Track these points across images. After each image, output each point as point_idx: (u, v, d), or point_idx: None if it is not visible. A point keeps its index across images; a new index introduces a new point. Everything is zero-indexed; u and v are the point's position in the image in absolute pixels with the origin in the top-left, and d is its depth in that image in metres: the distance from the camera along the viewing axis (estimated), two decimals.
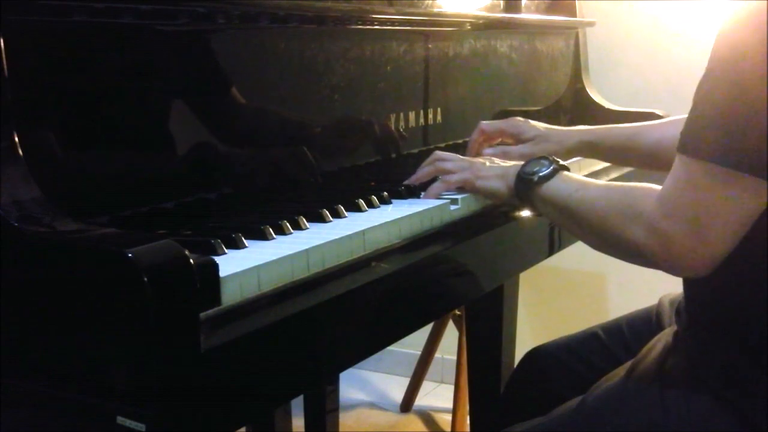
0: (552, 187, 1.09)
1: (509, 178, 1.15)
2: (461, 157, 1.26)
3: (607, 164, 1.59)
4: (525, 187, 1.11)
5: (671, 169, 0.92)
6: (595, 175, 1.55)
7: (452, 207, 1.18)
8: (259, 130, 1.16)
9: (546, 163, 1.11)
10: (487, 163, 1.21)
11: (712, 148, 0.87)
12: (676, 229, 0.90)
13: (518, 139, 1.39)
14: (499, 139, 1.43)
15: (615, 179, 1.57)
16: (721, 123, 0.87)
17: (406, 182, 1.24)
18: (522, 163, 1.15)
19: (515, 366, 1.43)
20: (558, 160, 1.12)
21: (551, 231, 1.43)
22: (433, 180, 1.23)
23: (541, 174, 1.10)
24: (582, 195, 1.05)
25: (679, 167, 0.91)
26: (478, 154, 1.38)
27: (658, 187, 0.94)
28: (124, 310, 0.70)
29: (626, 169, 1.63)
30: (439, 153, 1.26)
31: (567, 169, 1.11)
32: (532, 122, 1.40)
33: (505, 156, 1.35)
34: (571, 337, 1.33)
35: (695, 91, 0.91)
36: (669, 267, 0.93)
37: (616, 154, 1.38)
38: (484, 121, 1.43)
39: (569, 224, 1.09)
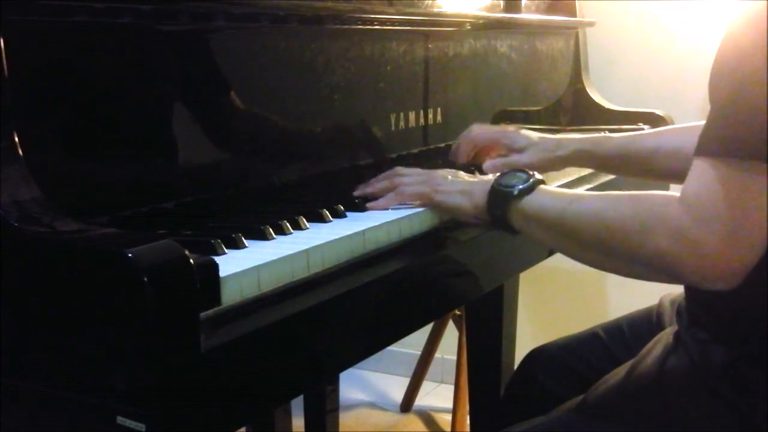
0: (536, 202, 1.01)
1: (475, 194, 1.06)
2: (420, 170, 1.16)
3: None
4: (502, 201, 1.03)
5: (690, 174, 0.88)
6: (595, 175, 1.55)
7: None
8: (259, 130, 1.16)
9: (523, 176, 1.03)
10: (449, 177, 1.12)
11: (739, 144, 0.84)
12: (709, 233, 0.84)
13: (510, 149, 1.34)
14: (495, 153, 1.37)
15: (616, 179, 1.57)
16: (744, 118, 0.84)
17: (355, 193, 1.15)
18: (489, 178, 1.08)
19: (516, 366, 1.42)
20: (534, 172, 1.04)
21: None
22: None
23: (520, 187, 1.02)
24: (580, 208, 0.97)
25: (705, 170, 0.86)
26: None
27: (674, 194, 0.90)
28: (124, 310, 0.70)
29: None
30: (397, 168, 1.17)
31: (544, 182, 1.04)
32: (524, 131, 1.35)
33: (495, 168, 1.28)
34: (572, 338, 1.33)
35: (709, 94, 0.90)
36: (699, 277, 0.87)
37: (611, 162, 1.33)
38: (476, 131, 1.37)
39: (563, 241, 1.01)
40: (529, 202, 1.01)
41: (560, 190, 1.04)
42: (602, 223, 0.94)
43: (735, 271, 0.85)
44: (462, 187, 1.09)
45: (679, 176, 1.28)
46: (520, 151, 1.32)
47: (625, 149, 1.30)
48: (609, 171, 1.42)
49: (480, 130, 1.38)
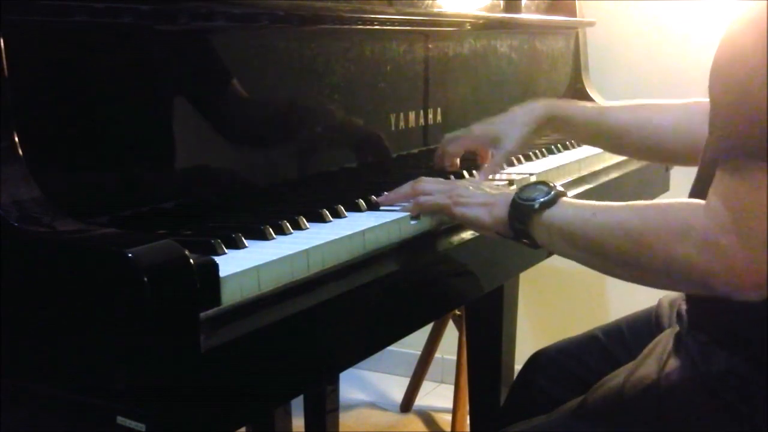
0: (558, 214, 0.98)
1: (496, 207, 1.04)
2: (442, 180, 1.15)
3: (608, 163, 1.59)
4: (523, 215, 1.00)
5: (713, 182, 0.86)
6: (595, 175, 1.55)
7: None
8: (259, 130, 1.16)
9: (544, 188, 1.00)
10: (470, 188, 1.09)
11: (746, 147, 0.83)
12: (737, 241, 0.82)
13: (485, 146, 1.32)
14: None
15: (616, 179, 1.58)
16: (748, 122, 0.83)
17: (377, 199, 1.14)
18: (510, 190, 1.06)
19: (517, 369, 1.42)
20: (555, 184, 1.02)
21: None
22: None
23: (541, 200, 0.99)
24: (604, 219, 0.94)
25: (722, 177, 0.85)
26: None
27: (699, 201, 0.87)
28: (124, 310, 0.70)
29: (627, 169, 1.63)
30: (421, 177, 1.14)
31: (566, 194, 1.02)
32: (491, 119, 1.32)
33: (492, 171, 1.29)
34: (571, 340, 1.32)
35: (710, 94, 0.89)
36: (731, 288, 0.84)
37: (582, 130, 1.31)
38: (447, 145, 1.35)
39: (587, 255, 0.97)
40: (551, 215, 0.99)
41: (583, 201, 1.00)
42: (628, 235, 0.91)
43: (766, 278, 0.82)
44: (482, 199, 1.06)
45: (652, 154, 1.29)
46: (495, 141, 1.30)
47: (596, 119, 1.29)
48: (579, 140, 1.39)
49: (450, 145, 1.36)
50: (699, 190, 1.00)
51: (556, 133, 1.38)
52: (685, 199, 0.91)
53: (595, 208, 0.96)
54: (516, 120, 1.30)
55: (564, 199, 1.00)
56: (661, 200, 0.92)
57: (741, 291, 0.84)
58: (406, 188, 1.14)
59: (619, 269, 0.95)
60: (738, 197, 0.83)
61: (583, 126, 1.31)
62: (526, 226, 1.01)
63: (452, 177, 1.30)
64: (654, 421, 1.01)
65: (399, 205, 1.13)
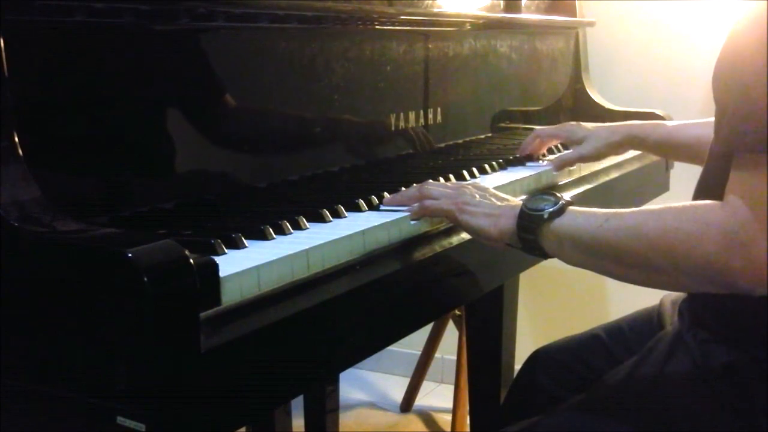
0: (568, 223, 0.98)
1: (502, 219, 1.03)
2: (450, 185, 1.14)
3: (607, 164, 1.59)
4: (532, 226, 0.99)
5: (730, 178, 0.86)
6: (594, 175, 1.55)
7: None
8: (259, 130, 1.16)
9: (552, 198, 1.00)
10: (477, 196, 1.08)
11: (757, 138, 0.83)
12: (757, 233, 0.82)
13: (570, 142, 1.48)
14: (555, 143, 1.56)
15: (616, 179, 1.58)
16: (755, 115, 0.83)
17: (384, 202, 1.14)
18: (517, 202, 1.05)
19: (516, 368, 1.42)
20: (562, 195, 1.01)
21: None
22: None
23: (550, 210, 0.98)
24: (617, 224, 0.93)
25: (739, 172, 0.85)
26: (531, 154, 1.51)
27: (716, 201, 0.87)
28: (124, 310, 0.70)
29: (627, 169, 1.63)
30: (428, 181, 1.15)
31: (573, 203, 1.00)
32: (583, 124, 1.47)
33: (562, 162, 1.44)
34: (573, 339, 1.32)
35: (714, 91, 0.89)
36: (751, 282, 0.84)
37: (660, 148, 1.44)
38: (538, 127, 1.52)
39: (600, 261, 0.96)
40: (561, 223, 0.98)
41: (592, 209, 0.99)
42: (644, 237, 0.90)
43: None
44: (488, 210, 1.05)
45: None
46: (579, 142, 1.45)
47: (672, 136, 1.40)
48: (658, 155, 1.57)
49: (543, 128, 1.54)
50: (703, 190, 1.00)
51: (635, 149, 1.53)
52: (702, 201, 0.90)
53: (606, 215, 0.95)
54: (601, 134, 1.45)
55: (572, 207, 1.00)
56: (676, 203, 0.91)
57: (763, 286, 0.84)
58: (412, 191, 1.13)
59: (635, 273, 0.94)
60: (755, 190, 0.83)
61: (659, 143, 1.43)
62: (535, 236, 1.00)
63: (452, 178, 1.30)
64: (654, 418, 1.01)
65: (404, 207, 1.13)
